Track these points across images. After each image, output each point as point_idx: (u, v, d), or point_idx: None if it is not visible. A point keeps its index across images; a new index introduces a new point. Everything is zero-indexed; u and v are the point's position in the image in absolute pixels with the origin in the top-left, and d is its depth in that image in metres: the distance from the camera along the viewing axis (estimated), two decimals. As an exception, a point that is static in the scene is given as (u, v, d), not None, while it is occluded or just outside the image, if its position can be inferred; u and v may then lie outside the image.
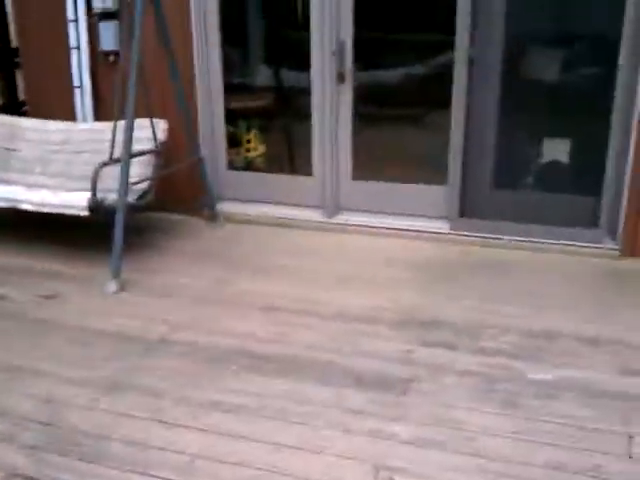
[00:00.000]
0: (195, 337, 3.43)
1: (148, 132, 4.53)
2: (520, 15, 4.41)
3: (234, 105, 5.32)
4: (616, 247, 4.37)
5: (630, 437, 2.63)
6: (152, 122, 4.51)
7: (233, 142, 5.36)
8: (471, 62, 4.41)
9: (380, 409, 2.83)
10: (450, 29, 4.44)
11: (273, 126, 5.71)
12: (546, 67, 4.60)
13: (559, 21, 4.48)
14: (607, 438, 2.63)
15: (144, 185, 4.46)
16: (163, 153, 4.62)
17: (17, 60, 7.36)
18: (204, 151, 5.01)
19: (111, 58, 5.08)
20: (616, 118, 4.25)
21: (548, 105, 4.56)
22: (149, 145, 4.56)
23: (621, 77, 4.16)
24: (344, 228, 4.88)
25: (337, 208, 5.01)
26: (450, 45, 4.49)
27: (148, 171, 4.53)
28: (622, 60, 4.13)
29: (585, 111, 4.43)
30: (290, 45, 5.33)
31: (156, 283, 4.10)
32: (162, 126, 4.66)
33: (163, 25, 4.44)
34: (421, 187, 4.92)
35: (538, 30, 4.51)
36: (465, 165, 4.62)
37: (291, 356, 3.23)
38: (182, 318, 3.64)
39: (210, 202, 5.03)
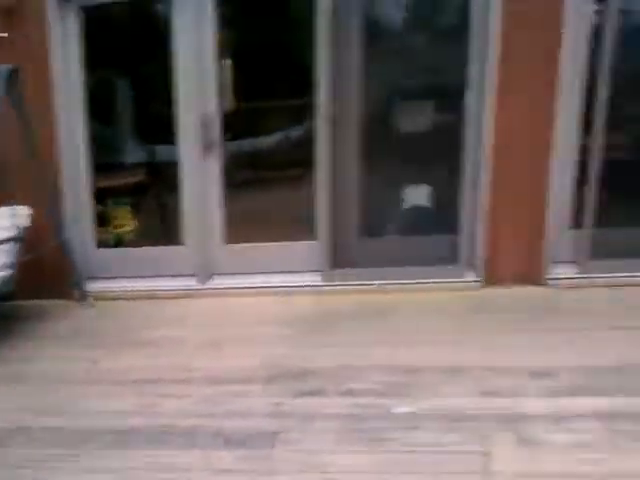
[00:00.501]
0: (59, 421, 3.31)
1: (8, 220, 4.45)
2: (375, 73, 4.66)
3: (103, 183, 5.31)
4: (477, 279, 4.57)
5: (486, 454, 2.71)
6: (13, 209, 4.44)
7: (102, 220, 5.33)
8: (333, 122, 4.59)
9: (249, 465, 2.82)
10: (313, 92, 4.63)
11: (145, 201, 5.72)
12: (402, 120, 4.87)
13: (411, 77, 4.77)
14: (466, 458, 2.70)
15: (5, 273, 4.35)
16: (26, 239, 4.54)
17: None
18: (71, 231, 4.95)
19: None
20: (467, 163, 4.49)
21: (406, 155, 4.80)
22: (10, 233, 4.47)
23: (468, 125, 4.43)
24: (218, 292, 4.90)
25: (210, 273, 5.03)
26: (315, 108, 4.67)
27: (9, 259, 4.43)
28: (468, 111, 4.40)
29: (440, 158, 4.69)
30: (158, 120, 5.40)
31: (27, 371, 3.96)
32: (24, 212, 4.60)
33: (21, 107, 4.44)
34: (293, 244, 5.02)
35: (393, 87, 4.79)
36: (333, 218, 4.76)
37: (158, 426, 3.18)
38: (48, 403, 3.52)
39: (79, 283, 4.96)
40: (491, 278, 4.54)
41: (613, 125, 4.32)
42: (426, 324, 4.11)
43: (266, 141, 5.62)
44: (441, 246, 4.72)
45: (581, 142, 4.42)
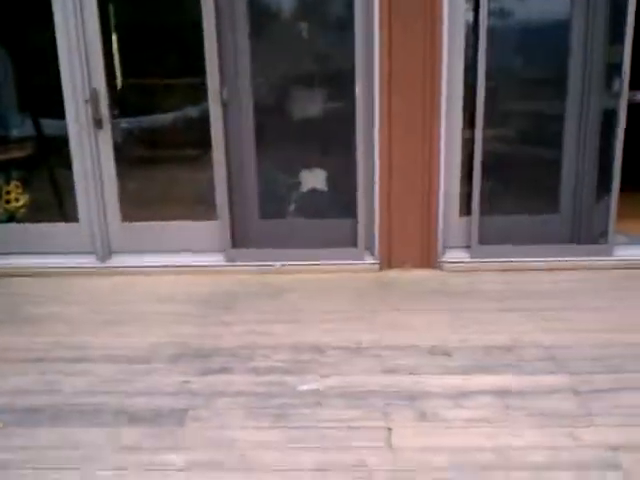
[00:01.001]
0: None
1: None
2: (265, 58, 4.71)
3: (-10, 156, 5.08)
4: (375, 262, 4.73)
5: (389, 429, 2.85)
6: None
7: (-8, 195, 5.10)
8: (224, 105, 4.60)
9: (155, 442, 2.83)
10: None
11: (36, 175, 5.49)
12: (296, 105, 4.92)
13: (303, 62, 4.83)
14: (369, 434, 2.83)
15: None
16: None
17: None
18: (-42, 206, 4.72)
19: None
20: (360, 146, 4.61)
21: (302, 140, 4.89)
22: None
23: (359, 108, 4.54)
24: (117, 271, 4.82)
25: (109, 252, 4.94)
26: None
27: None
28: (358, 92, 4.51)
29: (335, 142, 4.81)
30: (44, 93, 5.19)
31: None
32: None
33: None
34: (193, 223, 5.01)
35: (284, 71, 4.83)
36: (232, 199, 4.79)
37: (60, 405, 3.12)
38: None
39: (-31, 259, 4.73)
40: (388, 261, 4.72)
41: (494, 119, 4.60)
42: (327, 304, 4.23)
43: (162, 119, 5.53)
44: (340, 229, 4.84)
45: (466, 135, 4.67)
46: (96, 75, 4.70)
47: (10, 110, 5.51)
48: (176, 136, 5.47)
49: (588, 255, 4.66)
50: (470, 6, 4.52)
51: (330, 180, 4.97)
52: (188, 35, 5.10)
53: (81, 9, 4.56)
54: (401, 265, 4.70)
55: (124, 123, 4.94)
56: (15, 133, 5.50)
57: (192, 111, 5.26)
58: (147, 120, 5.43)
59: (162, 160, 5.45)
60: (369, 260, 4.75)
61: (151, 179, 5.28)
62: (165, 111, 5.44)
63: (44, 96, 5.25)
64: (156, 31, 5.16)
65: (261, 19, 4.72)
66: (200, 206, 5.12)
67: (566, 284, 4.43)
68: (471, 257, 4.70)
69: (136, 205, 5.04)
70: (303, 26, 4.83)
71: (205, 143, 4.86)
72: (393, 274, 4.68)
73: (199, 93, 4.92)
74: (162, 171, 5.35)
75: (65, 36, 4.62)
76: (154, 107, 5.49)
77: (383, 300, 4.27)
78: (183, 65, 5.23)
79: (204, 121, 4.82)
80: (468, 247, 4.74)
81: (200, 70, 4.69)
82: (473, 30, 4.51)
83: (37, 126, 5.39)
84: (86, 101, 4.69)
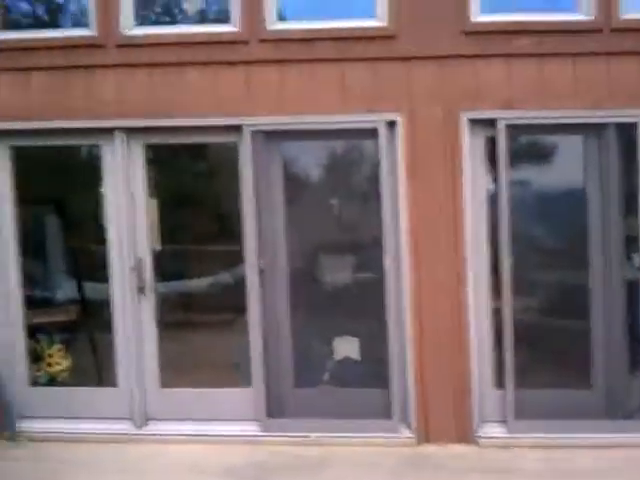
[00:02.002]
0: None
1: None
2: (300, 228, 4.93)
3: (35, 320, 5.27)
4: (411, 435, 4.70)
5: None
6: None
7: (35, 357, 5.24)
8: (261, 272, 4.78)
9: None
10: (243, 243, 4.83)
11: (78, 339, 5.66)
12: (328, 273, 5.11)
13: (334, 233, 5.07)
14: None
15: None
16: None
17: None
18: (3, 368, 4.86)
19: None
20: (390, 317, 4.71)
21: (334, 307, 5.02)
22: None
23: (388, 279, 4.69)
24: (153, 438, 4.84)
25: (145, 418, 4.99)
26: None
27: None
28: (387, 265, 4.67)
29: (366, 311, 4.91)
30: (92, 259, 5.46)
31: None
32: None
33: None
34: (229, 390, 5.06)
35: (317, 241, 5.07)
36: (267, 367, 4.84)
37: None
38: None
39: (9, 421, 4.81)
40: (425, 435, 4.68)
41: (520, 289, 4.68)
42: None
43: (197, 284, 5.74)
44: (372, 400, 4.83)
45: (493, 305, 4.75)
46: (141, 244, 4.94)
47: (56, 274, 5.77)
48: (210, 301, 5.66)
49: (624, 432, 4.58)
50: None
51: (363, 348, 5.04)
52: (227, 204, 5.40)
53: (129, 182, 4.88)
54: (437, 439, 4.65)
55: (162, 288, 5.11)
56: (60, 297, 5.73)
57: (225, 277, 5.47)
58: (183, 285, 5.65)
59: (196, 324, 5.62)
60: (405, 433, 4.71)
61: (185, 343, 5.42)
62: (200, 276, 5.68)
63: (90, 262, 5.53)
64: (195, 201, 5.49)
65: (295, 192, 4.99)
66: (233, 372, 5.19)
67: (604, 462, 4.33)
68: (507, 432, 4.65)
69: (174, 371, 5.13)
70: (334, 199, 5.09)
71: (237, 308, 5.02)
72: (430, 449, 4.62)
73: (232, 259, 5.15)
74: (196, 335, 5.51)
75: (114, 208, 4.92)
76: (190, 273, 5.74)
77: (420, 475, 4.22)
78: (220, 232, 5.52)
79: (236, 287, 5.00)
80: (504, 421, 4.69)
81: (236, 237, 4.92)
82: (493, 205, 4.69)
83: (81, 291, 5.62)
84: (131, 269, 4.90)
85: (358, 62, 4.61)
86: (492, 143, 4.63)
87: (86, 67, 4.76)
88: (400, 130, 4.61)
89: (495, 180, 4.68)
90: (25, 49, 4.80)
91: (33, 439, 4.85)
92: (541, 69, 4.56)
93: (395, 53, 4.59)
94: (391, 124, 4.62)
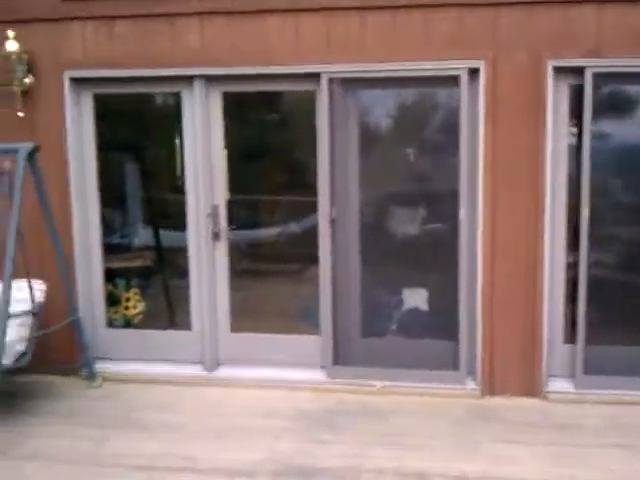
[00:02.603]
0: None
1: (26, 293, 4.55)
2: (372, 179, 4.94)
3: (113, 264, 5.48)
4: (477, 387, 4.71)
5: None
6: (30, 283, 4.55)
7: (112, 301, 5.45)
8: (333, 222, 4.82)
9: None
10: (315, 192, 4.88)
11: (153, 284, 5.86)
12: (400, 224, 5.12)
13: (408, 183, 5.06)
14: None
15: (21, 347, 4.43)
16: (41, 314, 4.63)
17: None
18: (82, 310, 5.05)
19: (-12, 222, 5.14)
20: (462, 268, 4.69)
21: (405, 258, 5.04)
22: (26, 306, 4.56)
23: (462, 231, 4.66)
24: (224, 382, 4.98)
25: (216, 362, 5.14)
26: (317, 206, 4.90)
27: (25, 333, 4.51)
28: (462, 215, 4.64)
29: (437, 262, 4.92)
30: (168, 207, 5.62)
31: (33, 447, 4.02)
32: (40, 287, 4.71)
33: (41, 189, 4.61)
34: (297, 337, 5.16)
35: (390, 192, 5.06)
36: (335, 316, 4.91)
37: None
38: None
39: (88, 362, 5.02)
40: (491, 387, 4.69)
41: (596, 244, 4.60)
42: (428, 429, 4.23)
43: (268, 233, 5.85)
44: (440, 351, 4.86)
45: (569, 259, 4.69)
46: (217, 192, 5.05)
47: (135, 222, 5.96)
48: (278, 250, 5.76)
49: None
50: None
51: (431, 300, 5.05)
52: (299, 155, 5.47)
53: (208, 132, 4.97)
54: (504, 393, 4.65)
55: (234, 236, 5.21)
56: (136, 243, 5.92)
57: (294, 227, 5.55)
58: (253, 234, 5.76)
59: (264, 272, 5.73)
60: (470, 385, 4.72)
61: (254, 291, 5.55)
62: (269, 226, 5.78)
63: (166, 210, 5.69)
64: (268, 150, 5.56)
65: (370, 142, 4.98)
66: (303, 320, 5.29)
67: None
68: (575, 388, 4.61)
69: (243, 316, 5.26)
70: (408, 149, 5.07)
71: (305, 258, 5.09)
72: (495, 401, 4.62)
73: (302, 210, 5.22)
74: (264, 283, 5.63)
75: (192, 157, 5.02)
76: (262, 222, 5.85)
77: (485, 429, 4.22)
78: (290, 183, 5.59)
79: (305, 237, 5.07)
80: (572, 377, 4.65)
81: (306, 188, 4.98)
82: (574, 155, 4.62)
83: (157, 238, 5.79)
84: (207, 215, 5.02)
85: (441, 7, 4.52)
86: (576, 92, 4.52)
87: (168, 15, 4.83)
88: (482, 78, 4.52)
89: (578, 131, 4.58)
90: (108, -2, 4.93)
91: (108, 379, 5.06)
92: (635, 15, 4.38)
93: (482, -1, 4.50)
94: (473, 71, 4.54)
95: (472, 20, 4.52)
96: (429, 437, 4.11)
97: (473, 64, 4.53)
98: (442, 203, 4.90)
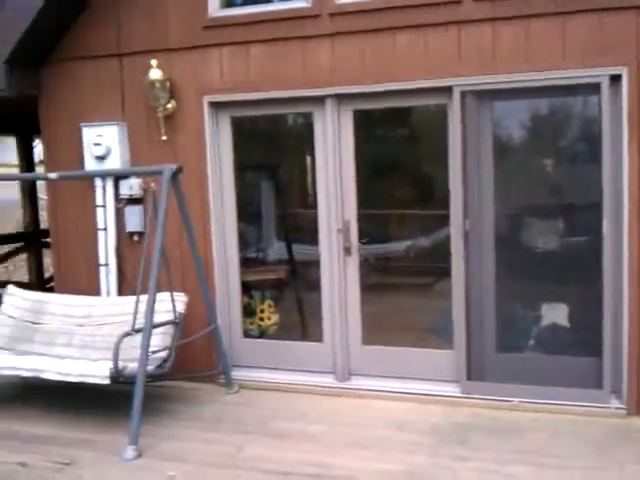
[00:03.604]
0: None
1: (168, 305, 4.82)
2: (508, 191, 4.84)
3: (249, 278, 5.69)
4: (622, 406, 4.48)
5: None
6: (172, 296, 4.81)
7: (248, 312, 5.65)
8: (466, 235, 4.77)
9: None
10: (446, 205, 4.85)
11: (286, 296, 6.04)
12: (537, 237, 4.98)
13: (545, 195, 4.91)
14: None
15: (163, 354, 4.69)
16: (181, 324, 4.87)
17: (45, 240, 7.92)
18: (220, 320, 5.27)
19: (135, 238, 5.50)
20: (607, 283, 4.49)
21: (543, 272, 4.88)
22: (169, 317, 4.83)
23: (606, 244, 4.48)
24: (356, 392, 5.03)
25: (348, 373, 5.19)
26: (448, 219, 4.87)
27: (167, 341, 4.77)
28: (605, 228, 4.46)
29: (578, 277, 4.75)
30: (300, 223, 5.79)
31: (171, 449, 4.22)
32: (181, 299, 4.96)
33: (183, 207, 4.86)
34: (430, 351, 5.12)
35: (526, 204, 4.95)
36: (469, 330, 4.84)
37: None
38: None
39: (225, 369, 5.22)
40: (638, 407, 4.44)
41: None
42: (569, 449, 4.06)
43: (398, 247, 5.86)
44: (581, 368, 4.67)
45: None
46: (348, 208, 5.14)
47: (269, 237, 6.18)
48: (408, 264, 5.76)
49: None
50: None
51: (572, 315, 4.88)
52: (429, 169, 5.46)
53: (339, 150, 5.07)
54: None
55: (364, 251, 5.27)
56: (271, 257, 6.13)
57: (424, 241, 5.54)
58: (383, 248, 5.80)
59: (394, 286, 5.75)
60: (615, 404, 4.50)
61: (390, 304, 5.57)
62: (400, 239, 5.80)
63: (299, 225, 5.86)
64: (399, 166, 5.60)
65: (504, 154, 4.90)
66: (434, 334, 5.26)
67: None
68: None
69: (375, 329, 5.29)
70: (545, 160, 4.94)
71: (435, 272, 5.05)
72: (641, 422, 4.39)
73: (432, 224, 5.20)
74: (400, 297, 5.65)
75: (324, 174, 5.14)
76: (392, 236, 5.88)
77: (630, 448, 4.01)
78: (421, 197, 5.58)
79: (435, 251, 5.04)
80: None
81: (437, 202, 4.96)
82: None
83: (290, 252, 5.97)
84: (339, 230, 5.12)
85: (578, 13, 4.39)
86: None
87: (300, 38, 5.00)
88: (625, 85, 4.35)
89: None
90: (244, 24, 5.13)
91: (244, 386, 5.24)
92: None
93: (624, 2, 4.31)
94: (615, 78, 4.38)
95: (612, 25, 4.36)
96: (569, 457, 3.94)
97: (615, 70, 4.37)
98: (581, 215, 4.74)
